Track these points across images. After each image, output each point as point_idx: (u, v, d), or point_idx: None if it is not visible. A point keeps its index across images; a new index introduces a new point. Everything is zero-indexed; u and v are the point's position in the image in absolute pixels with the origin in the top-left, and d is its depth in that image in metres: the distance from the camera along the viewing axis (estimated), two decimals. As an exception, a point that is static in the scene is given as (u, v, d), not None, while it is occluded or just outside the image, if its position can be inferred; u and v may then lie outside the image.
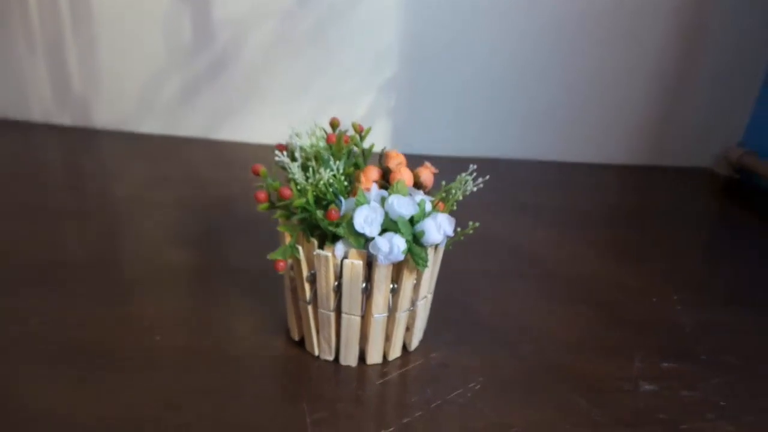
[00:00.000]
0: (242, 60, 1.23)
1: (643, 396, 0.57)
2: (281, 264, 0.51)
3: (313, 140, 0.56)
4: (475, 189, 0.55)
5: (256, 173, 0.54)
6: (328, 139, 0.56)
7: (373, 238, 0.50)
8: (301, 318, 0.58)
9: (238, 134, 1.30)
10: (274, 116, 1.28)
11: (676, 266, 0.87)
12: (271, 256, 0.52)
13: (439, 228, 0.51)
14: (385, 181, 0.58)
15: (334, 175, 0.53)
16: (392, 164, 0.58)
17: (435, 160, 1.31)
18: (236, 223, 0.87)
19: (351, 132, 0.61)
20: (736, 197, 1.22)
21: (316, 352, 0.58)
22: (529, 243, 0.90)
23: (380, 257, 0.50)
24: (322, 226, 0.51)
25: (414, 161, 0.62)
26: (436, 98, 1.29)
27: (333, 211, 0.50)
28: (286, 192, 0.51)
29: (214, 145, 1.27)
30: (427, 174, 0.59)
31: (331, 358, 0.57)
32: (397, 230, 0.50)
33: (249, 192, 1.01)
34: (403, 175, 0.56)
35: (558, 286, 0.77)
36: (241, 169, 1.14)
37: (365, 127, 0.63)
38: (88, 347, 0.57)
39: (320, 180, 0.52)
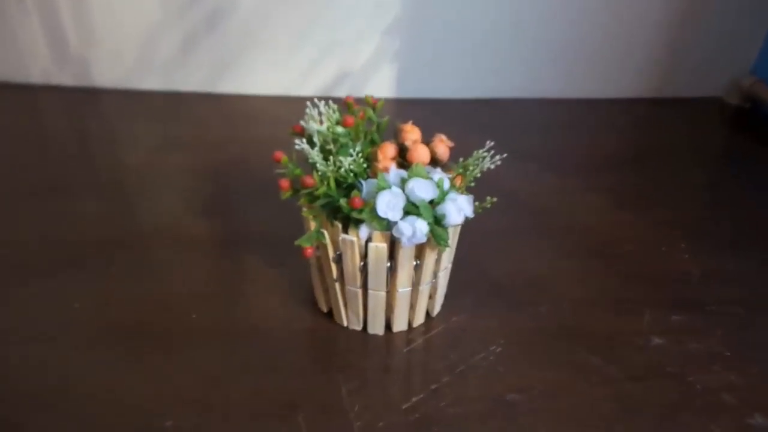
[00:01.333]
0: (239, 8, 1.18)
1: (653, 350, 0.60)
2: (309, 251, 0.53)
3: (330, 123, 0.56)
4: (492, 166, 0.55)
5: (278, 161, 0.55)
6: (345, 122, 0.56)
7: (395, 222, 0.51)
8: (328, 292, 0.61)
9: (240, 86, 1.27)
10: (276, 66, 1.25)
11: (684, 211, 0.88)
12: (298, 243, 0.54)
13: (459, 211, 0.52)
14: (402, 158, 0.59)
15: (354, 160, 0.54)
16: (408, 141, 0.58)
17: (441, 104, 1.30)
18: (252, 187, 0.88)
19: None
20: (747, 127, 1.21)
21: (345, 323, 0.61)
22: (538, 194, 0.91)
23: (404, 240, 0.51)
24: (346, 212, 0.52)
25: (423, 108, 0.62)
26: (440, 40, 1.25)
27: (356, 199, 0.51)
28: (309, 181, 0.52)
29: (217, 99, 1.25)
30: (442, 148, 0.59)
31: (359, 328, 0.61)
32: (418, 214, 0.52)
33: (260, 152, 1.01)
34: (420, 154, 0.57)
35: (569, 239, 0.79)
36: (248, 125, 1.14)
37: (374, 94, 0.62)
38: (129, 329, 0.60)
39: (340, 167, 0.53)
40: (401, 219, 0.51)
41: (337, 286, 0.58)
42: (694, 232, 0.82)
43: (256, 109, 1.22)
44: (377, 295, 0.57)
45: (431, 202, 0.53)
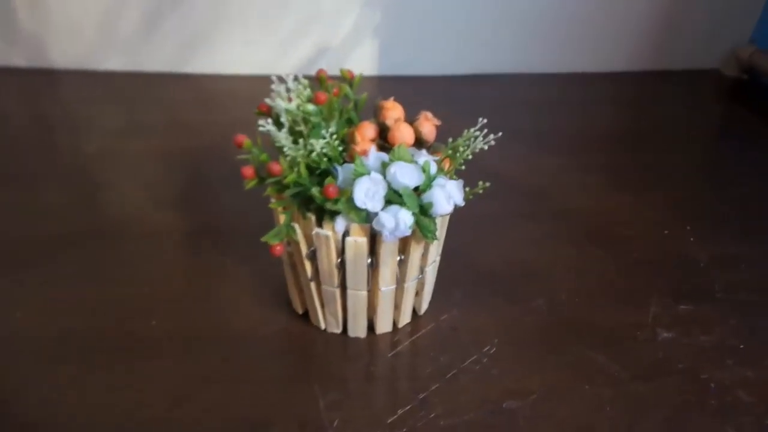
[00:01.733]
0: (206, -20, 1.10)
1: (660, 345, 0.55)
2: (278, 248, 0.47)
3: (300, 101, 0.49)
4: (486, 147, 0.49)
5: (240, 146, 0.48)
6: (316, 99, 0.49)
7: (376, 213, 0.45)
8: (303, 292, 0.55)
9: (210, 65, 1.19)
10: (249, 42, 1.17)
11: (685, 190, 0.83)
12: (265, 239, 0.47)
13: (448, 198, 0.46)
14: (382, 139, 0.52)
15: (327, 142, 0.47)
16: (389, 120, 0.51)
17: (425, 81, 1.23)
18: (222, 175, 0.81)
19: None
20: (745, 99, 1.16)
21: (323, 326, 0.55)
22: (530, 175, 0.86)
23: (386, 233, 0.45)
24: (319, 203, 0.46)
25: (406, 85, 0.55)
26: (424, 12, 1.18)
27: (330, 187, 0.45)
28: (276, 167, 0.46)
29: (185, 79, 1.16)
30: (428, 127, 0.53)
31: (338, 331, 0.55)
32: (401, 203, 0.45)
33: (231, 137, 0.93)
34: (403, 134, 0.50)
35: (564, 224, 0.74)
36: (219, 107, 1.06)
37: (352, 68, 0.55)
38: (83, 338, 0.54)
39: (312, 151, 0.46)
40: (382, 209, 0.45)
41: (313, 285, 0.52)
42: (698, 214, 0.77)
43: (229, 89, 1.14)
44: (357, 295, 0.51)
45: (416, 189, 0.47)
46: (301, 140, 0.47)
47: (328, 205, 0.46)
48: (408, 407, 0.47)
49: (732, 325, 0.58)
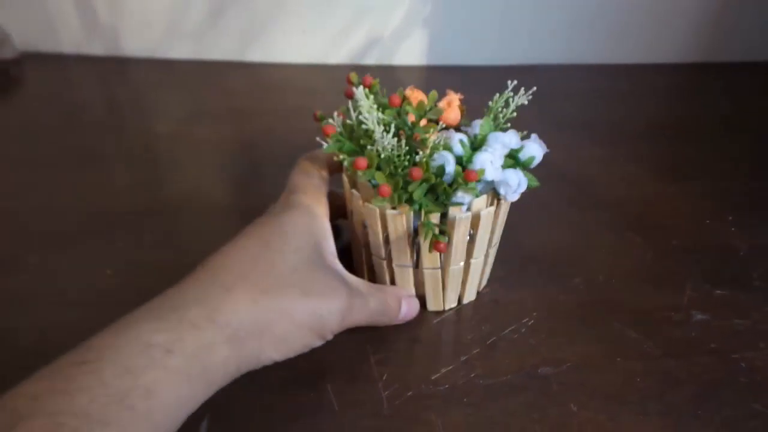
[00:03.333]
0: (267, -27, 1.16)
1: (694, 326, 0.58)
2: (442, 245, 0.49)
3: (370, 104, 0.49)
4: (525, 102, 0.52)
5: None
6: (390, 102, 0.50)
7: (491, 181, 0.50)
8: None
9: (268, 54, 1.26)
10: (304, 33, 1.23)
11: (731, 182, 0.84)
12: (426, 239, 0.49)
13: (539, 146, 0.52)
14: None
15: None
16: (443, 103, 0.55)
17: (473, 70, 1.25)
18: (277, 158, 0.87)
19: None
20: (801, 96, 1.14)
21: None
22: (576, 164, 0.88)
23: (509, 193, 0.50)
24: (448, 191, 0.48)
25: (455, 75, 0.59)
26: (472, 3, 1.21)
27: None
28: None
29: (246, 67, 1.24)
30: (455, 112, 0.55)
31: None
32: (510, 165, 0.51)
33: (289, 122, 1.00)
34: (455, 115, 0.54)
35: (606, 212, 0.77)
36: (276, 94, 1.12)
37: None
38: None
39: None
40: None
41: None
42: (741, 204, 0.78)
43: (285, 77, 1.20)
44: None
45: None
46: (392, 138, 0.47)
47: (467, 187, 0.48)
48: (450, 367, 0.52)
49: (767, 311, 0.60)
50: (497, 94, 0.53)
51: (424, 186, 0.49)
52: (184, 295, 0.42)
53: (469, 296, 0.59)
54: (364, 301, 0.48)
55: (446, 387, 0.50)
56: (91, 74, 1.19)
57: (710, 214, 0.76)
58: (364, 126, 0.49)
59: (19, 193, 0.78)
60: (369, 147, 0.49)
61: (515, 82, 0.53)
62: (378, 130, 0.47)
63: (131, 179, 0.83)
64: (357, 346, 0.54)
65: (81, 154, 0.88)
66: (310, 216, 0.49)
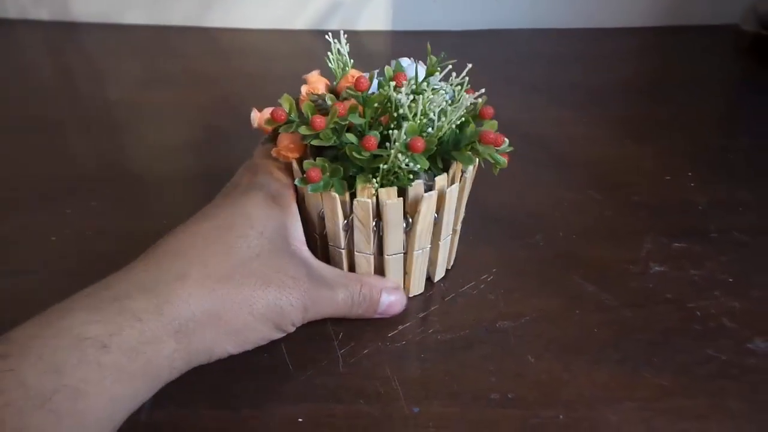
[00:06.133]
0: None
1: (651, 277, 0.58)
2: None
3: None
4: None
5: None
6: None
7: None
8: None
9: (227, 19, 1.21)
10: (265, -4, 1.19)
11: (694, 142, 0.84)
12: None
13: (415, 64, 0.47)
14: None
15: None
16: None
17: (439, 35, 1.23)
18: (233, 124, 0.84)
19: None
20: (763, 55, 1.15)
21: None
22: (540, 126, 0.87)
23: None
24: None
25: (421, 40, 0.57)
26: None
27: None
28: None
29: (205, 33, 1.19)
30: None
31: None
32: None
33: (250, 88, 0.97)
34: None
35: (569, 170, 0.76)
36: (236, 60, 1.09)
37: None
38: (113, 260, 0.58)
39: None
40: None
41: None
42: (704, 161, 0.78)
43: (245, 43, 1.16)
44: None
45: None
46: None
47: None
48: (408, 324, 0.51)
49: (723, 261, 0.60)
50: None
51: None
52: (128, 283, 0.37)
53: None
54: (332, 293, 0.45)
55: (403, 344, 0.49)
56: (39, 40, 1.13)
57: (671, 172, 0.76)
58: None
59: (-41, 162, 0.74)
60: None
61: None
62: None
63: (85, 146, 0.79)
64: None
65: (32, 122, 0.84)
66: (276, 198, 0.45)
